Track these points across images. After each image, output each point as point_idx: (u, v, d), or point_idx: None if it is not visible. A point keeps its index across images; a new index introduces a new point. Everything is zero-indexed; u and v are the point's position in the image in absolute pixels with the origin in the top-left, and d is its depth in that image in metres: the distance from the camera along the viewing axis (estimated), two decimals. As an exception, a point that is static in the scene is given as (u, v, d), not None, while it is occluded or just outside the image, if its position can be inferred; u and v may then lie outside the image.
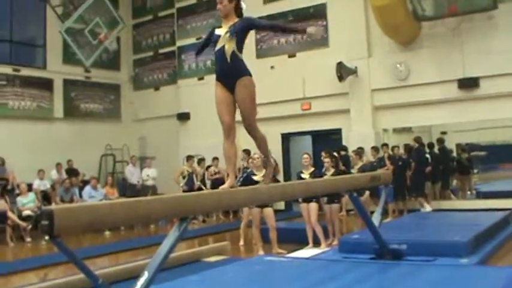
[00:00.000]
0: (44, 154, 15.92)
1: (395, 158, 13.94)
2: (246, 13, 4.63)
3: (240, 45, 4.80)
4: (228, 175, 5.01)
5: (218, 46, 4.81)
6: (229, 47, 4.75)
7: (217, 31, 4.89)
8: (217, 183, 13.59)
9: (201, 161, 15.94)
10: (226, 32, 4.79)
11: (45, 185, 15.17)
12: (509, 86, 13.26)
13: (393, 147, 14.29)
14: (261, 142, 5.04)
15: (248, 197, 5.07)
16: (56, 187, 15.37)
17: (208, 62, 17.59)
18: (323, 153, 11.91)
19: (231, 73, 4.79)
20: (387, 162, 13.67)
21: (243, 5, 4.91)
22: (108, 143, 18.72)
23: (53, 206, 3.24)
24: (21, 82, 16.72)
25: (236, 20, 4.88)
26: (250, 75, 4.87)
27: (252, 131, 4.89)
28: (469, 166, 15.62)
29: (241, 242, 10.61)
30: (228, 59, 4.75)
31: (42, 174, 15.15)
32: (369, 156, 14.24)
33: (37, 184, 14.94)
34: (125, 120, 20.00)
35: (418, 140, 14.18)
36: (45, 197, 14.97)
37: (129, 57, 20.53)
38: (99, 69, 18.53)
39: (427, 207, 13.50)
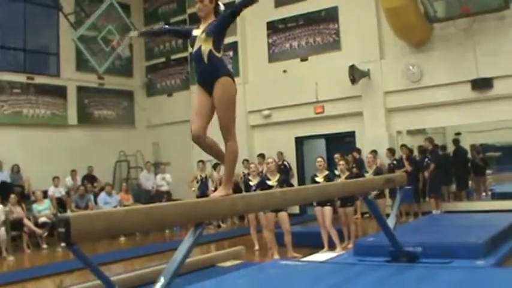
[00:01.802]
0: (59, 161, 16.03)
1: (413, 160, 13.93)
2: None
3: (218, 44, 4.56)
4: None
5: (195, 48, 4.59)
6: (206, 47, 4.51)
7: (194, 32, 4.66)
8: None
9: (216, 165, 15.87)
10: (202, 32, 4.56)
11: (60, 192, 15.25)
12: (523, 86, 13.21)
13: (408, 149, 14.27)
14: (229, 154, 4.56)
15: (263, 201, 5.07)
16: (70, 194, 15.45)
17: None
18: (337, 156, 11.93)
19: (209, 74, 4.54)
20: (406, 163, 13.64)
21: (222, 6, 4.70)
22: (122, 149, 18.80)
23: (69, 214, 3.25)
24: (35, 90, 16.84)
25: (213, 19, 4.65)
26: (229, 75, 4.59)
27: (226, 137, 4.54)
28: (483, 167, 15.54)
29: (256, 247, 10.61)
30: (205, 60, 4.51)
31: (57, 181, 15.23)
32: (382, 159, 14.19)
33: (52, 191, 15.01)
34: (139, 126, 20.07)
35: (431, 141, 14.14)
36: (61, 203, 15.05)
37: (142, 64, 20.61)
38: (112, 75, 18.58)
39: (438, 211, 13.47)
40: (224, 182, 4.61)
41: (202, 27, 4.65)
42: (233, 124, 4.58)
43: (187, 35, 4.79)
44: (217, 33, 4.56)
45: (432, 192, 13.76)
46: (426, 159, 13.93)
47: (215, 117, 4.56)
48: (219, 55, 4.56)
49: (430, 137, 14.36)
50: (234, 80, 4.61)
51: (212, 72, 4.52)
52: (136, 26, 18.17)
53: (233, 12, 4.54)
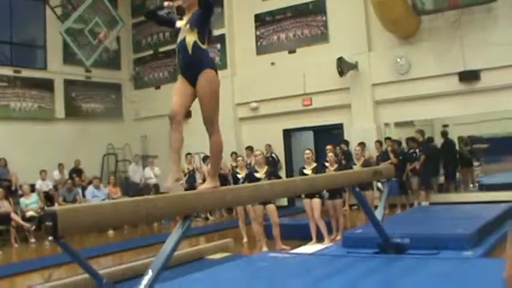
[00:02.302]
0: (46, 155, 15.92)
1: (399, 152, 13.97)
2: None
3: (203, 35, 4.52)
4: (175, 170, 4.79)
5: (179, 39, 4.56)
6: (190, 39, 4.47)
7: (178, 23, 4.64)
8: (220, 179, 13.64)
9: (206, 158, 15.84)
10: (186, 24, 4.53)
11: (48, 185, 15.20)
12: (510, 78, 13.22)
13: (392, 141, 14.29)
14: (213, 146, 4.61)
15: (251, 194, 5.07)
16: (58, 187, 15.38)
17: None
18: (329, 147, 11.97)
19: (193, 65, 4.49)
20: (391, 155, 13.67)
21: None
22: (110, 142, 18.74)
23: (56, 207, 3.24)
24: (22, 83, 16.72)
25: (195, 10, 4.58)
26: (213, 67, 4.54)
27: (210, 130, 4.56)
28: (471, 159, 15.60)
29: (245, 239, 10.62)
30: (190, 51, 4.48)
31: (45, 174, 15.19)
32: (370, 151, 14.22)
33: (39, 185, 14.97)
34: (127, 119, 20.00)
35: (422, 133, 14.19)
36: (48, 197, 14.98)
37: (130, 56, 20.51)
38: (99, 68, 18.46)
39: (427, 203, 13.52)
40: (211, 175, 4.61)
41: (185, 18, 4.61)
42: (216, 117, 4.57)
43: (171, 24, 4.76)
44: (201, 24, 4.52)
45: (423, 184, 13.81)
46: (415, 151, 13.97)
47: (199, 114, 4.53)
48: (203, 46, 4.53)
49: (421, 129, 14.40)
50: (217, 73, 4.57)
51: (196, 64, 4.49)
52: (124, 19, 18.12)
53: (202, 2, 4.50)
